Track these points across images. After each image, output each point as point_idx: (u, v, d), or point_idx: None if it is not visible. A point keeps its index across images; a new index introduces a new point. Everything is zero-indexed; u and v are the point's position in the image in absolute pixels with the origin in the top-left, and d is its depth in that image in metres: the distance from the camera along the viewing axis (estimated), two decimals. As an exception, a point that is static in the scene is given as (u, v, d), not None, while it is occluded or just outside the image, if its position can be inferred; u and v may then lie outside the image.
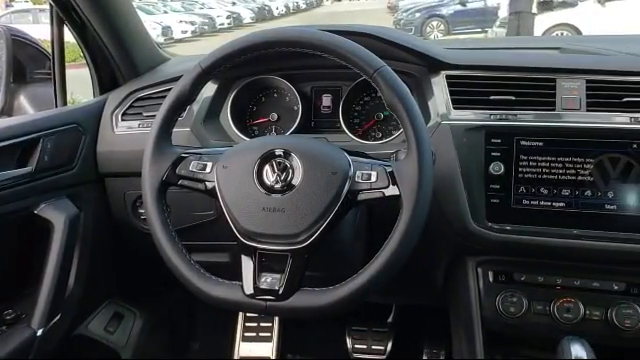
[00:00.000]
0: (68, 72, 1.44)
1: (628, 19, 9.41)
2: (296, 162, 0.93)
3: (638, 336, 1.07)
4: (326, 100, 1.35)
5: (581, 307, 1.09)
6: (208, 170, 0.98)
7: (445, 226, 1.11)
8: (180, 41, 14.93)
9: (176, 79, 1.07)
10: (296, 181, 0.92)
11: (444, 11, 13.94)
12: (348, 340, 1.76)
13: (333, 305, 0.89)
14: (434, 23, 13.81)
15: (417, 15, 14.14)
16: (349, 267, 0.93)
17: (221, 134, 1.31)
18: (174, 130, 1.02)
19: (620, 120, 1.06)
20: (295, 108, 1.33)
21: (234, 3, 23.29)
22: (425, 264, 1.21)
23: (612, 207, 1.04)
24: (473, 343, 1.16)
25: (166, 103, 1.00)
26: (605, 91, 1.09)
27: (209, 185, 0.97)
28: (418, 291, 1.44)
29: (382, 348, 1.72)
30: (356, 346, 1.74)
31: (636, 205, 1.03)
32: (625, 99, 1.07)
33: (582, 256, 1.08)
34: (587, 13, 10.07)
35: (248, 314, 1.74)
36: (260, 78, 1.34)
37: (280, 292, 0.90)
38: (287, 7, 26.76)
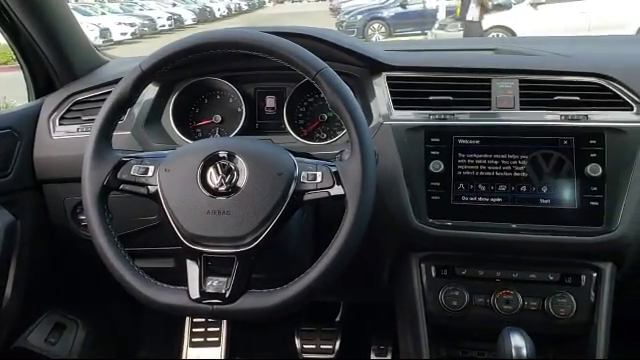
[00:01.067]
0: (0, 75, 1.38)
1: (559, 21, 9.85)
2: (241, 164, 0.93)
3: (571, 324, 1.12)
4: (270, 101, 1.35)
5: (519, 298, 1.13)
6: (150, 174, 0.96)
7: (389, 223, 1.14)
8: (119, 43, 14.57)
9: (116, 82, 1.05)
10: (241, 183, 0.92)
11: (385, 13, 14.16)
12: (297, 341, 1.76)
13: (280, 306, 0.89)
14: (375, 25, 14.00)
15: (359, 17, 14.30)
16: (297, 267, 0.94)
17: (163, 137, 1.29)
18: (114, 134, 1.00)
19: (551, 118, 1.11)
20: (239, 110, 1.33)
21: (175, 4, 22.91)
22: (371, 261, 1.22)
23: (546, 201, 1.09)
24: (418, 337, 1.18)
25: (106, 106, 0.98)
26: (537, 90, 1.14)
27: (151, 189, 0.96)
28: (365, 289, 1.46)
29: (331, 347, 1.74)
30: (305, 346, 1.75)
31: (568, 198, 1.08)
32: (556, 97, 1.12)
33: (519, 249, 1.12)
34: (521, 15, 10.47)
35: (195, 319, 1.72)
36: (202, 80, 1.33)
37: (227, 295, 0.89)
38: (229, 9, 26.54)
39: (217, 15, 24.53)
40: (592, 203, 1.07)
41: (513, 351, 0.97)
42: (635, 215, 1.05)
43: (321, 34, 1.20)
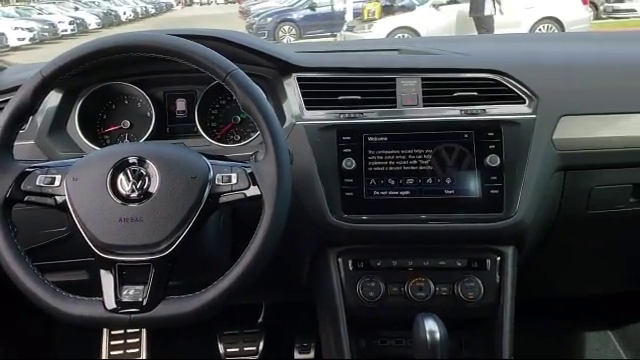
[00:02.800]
0: None
1: (459, 21, 10.36)
2: (152, 169, 0.92)
3: (480, 306, 1.19)
4: (180, 105, 1.34)
5: (431, 285, 1.19)
6: (57, 183, 0.93)
7: (306, 221, 1.16)
8: (17, 49, 13.77)
9: (15, 89, 1.01)
10: (153, 188, 0.91)
11: (295, 16, 14.27)
12: (220, 345, 1.75)
13: (200, 310, 0.89)
14: (286, 27, 14.08)
15: (269, 20, 14.33)
16: (216, 271, 0.94)
17: (70, 145, 1.25)
18: (16, 144, 0.96)
19: (452, 113, 1.18)
20: (148, 114, 1.30)
21: (77, 8, 21.90)
22: (290, 260, 1.24)
23: (451, 192, 1.15)
24: (338, 331, 1.21)
25: (4, 115, 0.94)
26: (438, 87, 1.20)
27: (59, 199, 0.93)
28: (285, 288, 1.48)
29: (254, 349, 1.74)
30: (228, 350, 1.74)
31: (470, 188, 1.15)
32: (456, 94, 1.19)
33: (429, 238, 1.18)
34: (424, 16, 10.90)
35: (113, 331, 1.67)
36: (109, 85, 1.29)
37: (144, 303, 0.88)
38: (135, 12, 25.74)
39: (123, 19, 23.73)
40: (492, 191, 1.14)
41: (427, 335, 1.02)
42: (531, 201, 1.14)
43: (230, 36, 1.20)
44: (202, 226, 0.93)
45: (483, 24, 9.52)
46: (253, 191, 0.92)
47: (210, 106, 1.32)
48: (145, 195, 0.91)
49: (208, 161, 0.95)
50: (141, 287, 0.89)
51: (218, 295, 0.89)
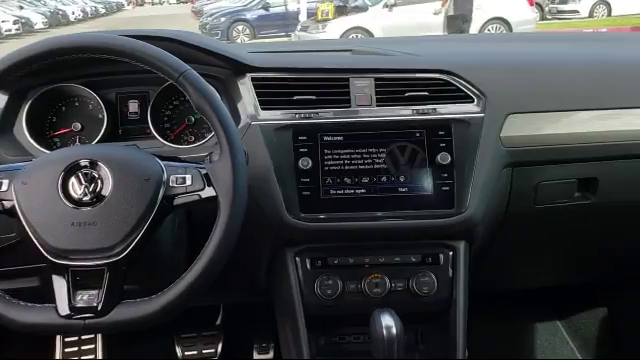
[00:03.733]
0: None
1: (410, 22, 10.53)
2: (104, 171, 0.90)
3: (434, 300, 1.21)
4: (133, 106, 1.32)
5: (387, 281, 1.21)
6: (5, 188, 0.91)
7: (263, 221, 1.16)
8: (-45, 50, 13.17)
9: None
10: (106, 191, 0.89)
11: (248, 16, 14.19)
12: (178, 349, 1.73)
13: (157, 314, 0.88)
14: (240, 27, 13.98)
15: (222, 20, 14.20)
16: (172, 274, 0.93)
17: (17, 149, 1.21)
18: None
19: (405, 112, 1.20)
20: (100, 116, 1.28)
21: (21, 7, 21.15)
22: (247, 261, 1.24)
23: (404, 189, 1.18)
24: (297, 330, 1.22)
25: None
26: (391, 87, 1.22)
27: (7, 204, 0.90)
28: (243, 288, 1.48)
29: (213, 351, 1.73)
30: (186, 353, 1.73)
31: (423, 185, 1.17)
32: (407, 94, 1.21)
33: (385, 235, 1.20)
34: (377, 17, 11.03)
35: (67, 338, 1.63)
36: (58, 86, 1.26)
37: (99, 308, 0.87)
38: (85, 12, 25.06)
39: (71, 18, 23.07)
40: (444, 188, 1.17)
41: (384, 331, 1.04)
42: (481, 197, 1.17)
43: (182, 36, 1.19)
44: (157, 229, 0.92)
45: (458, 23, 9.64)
46: (208, 192, 0.91)
47: (163, 107, 1.30)
48: (98, 198, 0.89)
49: (162, 162, 0.94)
50: (95, 292, 0.88)
51: (174, 298, 0.88)
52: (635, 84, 1.33)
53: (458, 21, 8.99)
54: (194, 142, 1.27)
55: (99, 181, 0.90)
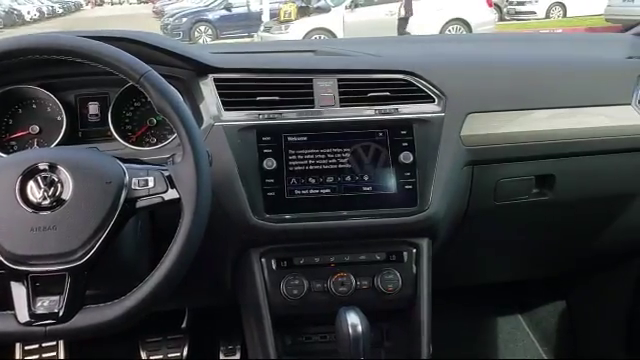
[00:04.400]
0: None
1: (372, 22, 10.65)
2: (64, 175, 0.89)
3: (399, 297, 1.23)
4: (93, 108, 1.29)
5: (353, 279, 1.21)
6: None
7: (228, 223, 1.15)
8: None
9: None
10: (66, 195, 0.88)
11: (210, 16, 14.09)
12: (142, 353, 1.71)
13: (120, 318, 0.87)
14: (202, 28, 13.87)
15: (184, 20, 14.06)
16: (136, 278, 0.92)
17: (-28, 153, 1.18)
18: None
19: (368, 113, 1.21)
20: (59, 119, 1.25)
21: (-27, 6, 20.51)
22: (212, 263, 1.23)
23: (368, 188, 1.19)
24: (263, 331, 1.22)
25: None
26: (354, 88, 1.23)
27: None
28: (209, 291, 1.47)
29: (178, 355, 1.71)
30: (151, 357, 1.70)
31: (387, 184, 1.19)
32: (370, 94, 1.22)
33: (350, 234, 1.20)
34: (339, 18, 11.11)
35: (27, 345, 1.58)
36: (14, 88, 1.23)
37: (60, 314, 0.85)
38: (41, 12, 24.40)
39: (27, 18, 22.44)
40: (407, 187, 1.18)
41: (350, 329, 1.05)
42: (443, 195, 1.19)
43: (143, 37, 1.18)
44: (119, 232, 0.91)
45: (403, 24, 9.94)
46: (171, 194, 0.91)
47: (124, 109, 1.28)
48: (58, 202, 0.87)
49: (123, 165, 0.93)
50: (57, 297, 0.86)
51: (138, 302, 0.87)
52: (588, 83, 1.37)
53: (404, 22, 9.28)
54: (156, 144, 1.26)
55: (59, 185, 0.88)
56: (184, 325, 1.78)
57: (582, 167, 1.35)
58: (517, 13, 14.38)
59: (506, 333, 2.04)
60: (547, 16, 13.98)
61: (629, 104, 1.34)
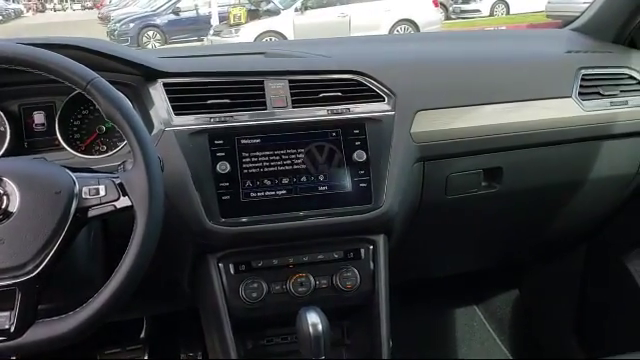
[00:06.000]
0: None
1: (322, 24, 10.72)
2: (10, 187, 0.86)
3: (358, 294, 1.24)
4: (38, 118, 1.25)
5: (312, 279, 1.22)
6: None
7: (183, 229, 1.14)
8: None
9: None
10: (13, 207, 0.85)
11: (158, 21, 13.86)
12: (101, 366, 1.67)
13: (74, 331, 0.85)
14: (150, 33, 13.64)
15: (131, 25, 13.79)
16: (90, 289, 0.90)
17: None
18: None
19: (320, 113, 1.22)
20: (2, 129, 1.21)
21: None
22: (169, 270, 1.22)
23: (324, 188, 1.20)
24: (224, 336, 1.21)
25: None
26: (305, 89, 1.24)
27: None
28: (167, 299, 1.45)
29: (138, 364, 1.69)
30: (111, 369, 1.67)
31: (342, 183, 1.20)
32: (321, 95, 1.24)
33: (307, 234, 1.21)
34: (289, 20, 11.12)
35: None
36: None
37: (12, 330, 0.83)
38: (-23, 19, 23.47)
39: (-37, 26, 21.55)
40: (361, 185, 1.20)
41: (310, 328, 1.06)
42: (396, 191, 1.21)
43: (88, 43, 1.15)
44: (71, 243, 0.89)
45: None
46: (124, 202, 0.89)
47: (72, 117, 1.25)
48: (4, 215, 0.85)
49: (73, 174, 0.91)
50: (7, 313, 0.83)
51: (92, 314, 0.86)
52: (531, 78, 1.42)
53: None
54: (106, 152, 1.24)
55: (5, 197, 0.86)
56: (143, 334, 1.75)
57: (528, 159, 1.40)
58: (462, 12, 14.70)
59: (463, 324, 2.09)
60: (491, 14, 14.35)
61: (570, 97, 1.40)
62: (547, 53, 1.58)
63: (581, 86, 1.42)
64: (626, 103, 1.45)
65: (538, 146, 1.39)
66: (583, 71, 1.43)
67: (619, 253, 1.68)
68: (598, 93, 1.43)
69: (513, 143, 1.36)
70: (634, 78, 1.49)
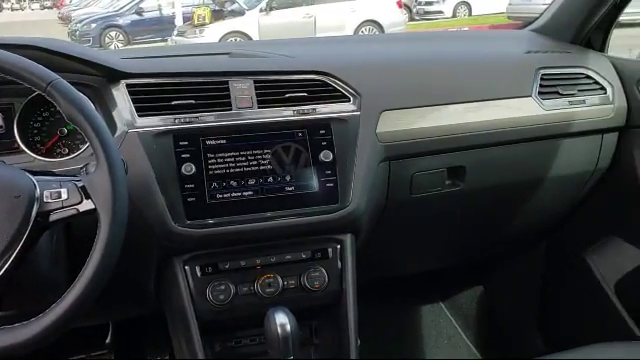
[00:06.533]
0: None
1: (287, 25, 10.72)
2: None
3: (326, 294, 1.25)
4: None
5: (279, 280, 1.22)
6: None
7: (148, 232, 1.13)
8: None
9: None
10: None
11: (121, 21, 13.66)
12: (65, 373, 1.64)
13: (36, 338, 0.83)
14: (112, 33, 13.44)
15: (93, 26, 13.57)
16: (53, 294, 0.88)
17: None
18: None
19: (286, 113, 1.22)
20: None
21: None
22: (134, 273, 1.21)
23: (291, 188, 1.20)
24: (191, 339, 1.20)
25: None
26: (270, 89, 1.24)
27: None
28: (132, 303, 1.43)
29: (104, 371, 1.66)
30: (75, 377, 1.64)
31: (309, 183, 1.20)
32: (287, 95, 1.24)
33: (275, 234, 1.21)
34: (254, 20, 11.10)
35: None
36: None
37: None
38: None
39: None
40: (328, 185, 1.21)
41: (278, 329, 1.05)
42: (362, 191, 1.22)
43: (48, 44, 1.13)
44: (32, 248, 0.87)
45: None
46: (86, 205, 0.88)
47: (31, 119, 1.22)
48: None
49: (33, 178, 0.89)
50: None
51: (56, 320, 0.84)
52: (492, 78, 1.45)
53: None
54: (68, 154, 1.21)
55: None
56: (108, 340, 1.72)
57: (490, 157, 1.43)
58: (426, 13, 14.89)
59: (430, 321, 2.12)
60: (454, 15, 14.58)
61: (530, 96, 1.43)
62: (508, 53, 1.62)
63: (541, 85, 1.45)
64: (584, 102, 1.49)
65: (500, 145, 1.42)
66: (542, 71, 1.47)
67: (579, 248, 1.72)
68: (557, 92, 1.47)
69: (475, 142, 1.38)
70: (591, 78, 1.53)
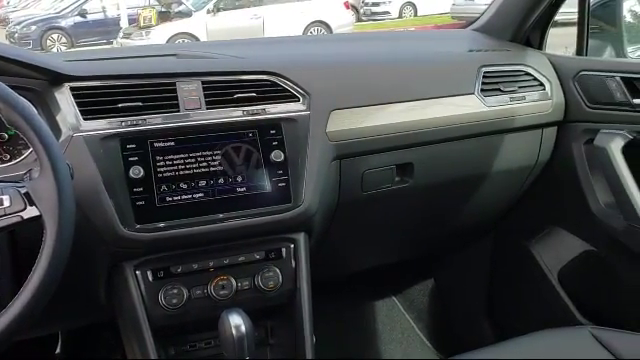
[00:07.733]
0: None
1: (235, 26, 10.66)
2: None
3: (280, 293, 1.25)
4: None
5: (233, 281, 1.22)
6: None
7: (96, 237, 1.10)
8: None
9: None
10: None
11: (63, 23, 13.26)
12: (12, 387, 1.58)
13: None
14: (55, 36, 13.04)
15: (33, 28, 13.12)
16: None
17: None
18: None
19: (235, 114, 1.22)
20: None
21: None
22: (84, 280, 1.18)
23: (242, 189, 1.20)
24: (144, 345, 1.18)
25: None
26: (219, 90, 1.23)
27: None
28: (82, 310, 1.39)
29: (54, 382, 1.61)
30: (24, 390, 1.58)
31: (261, 184, 1.20)
32: (236, 95, 1.23)
33: (228, 236, 1.20)
34: (201, 22, 10.98)
35: None
36: None
37: None
38: None
39: None
40: (280, 184, 1.21)
41: (233, 330, 1.05)
42: (314, 189, 1.23)
43: None
44: None
45: None
46: (31, 212, 0.85)
47: None
48: None
49: None
50: None
51: (1, 332, 0.81)
52: (437, 76, 1.49)
53: None
54: (10, 160, 1.17)
55: None
56: (58, 350, 1.67)
57: (436, 154, 1.46)
58: (373, 14, 15.09)
59: (384, 316, 2.15)
60: (400, 16, 14.82)
61: (473, 93, 1.48)
62: (451, 53, 1.67)
63: (483, 83, 1.50)
64: (524, 98, 1.55)
65: (445, 141, 1.45)
66: (484, 69, 1.52)
67: (523, 239, 1.79)
68: (499, 89, 1.52)
69: (422, 139, 1.42)
70: (530, 74, 1.59)
